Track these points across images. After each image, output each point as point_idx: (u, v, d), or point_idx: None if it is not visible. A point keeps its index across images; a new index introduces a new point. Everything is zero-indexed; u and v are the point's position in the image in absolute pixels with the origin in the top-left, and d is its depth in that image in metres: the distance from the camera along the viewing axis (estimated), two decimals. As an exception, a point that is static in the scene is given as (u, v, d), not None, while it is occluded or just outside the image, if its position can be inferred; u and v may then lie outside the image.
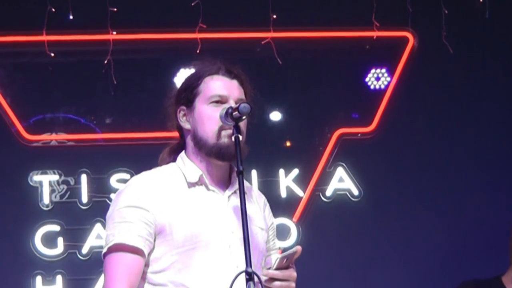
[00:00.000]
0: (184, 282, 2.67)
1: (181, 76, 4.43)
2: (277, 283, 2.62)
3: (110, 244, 2.67)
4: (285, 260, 2.61)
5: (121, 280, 2.63)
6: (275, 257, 2.83)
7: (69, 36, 4.54)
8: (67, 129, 4.52)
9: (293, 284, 2.66)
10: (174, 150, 2.89)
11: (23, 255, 4.35)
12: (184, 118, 2.80)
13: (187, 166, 2.78)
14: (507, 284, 4.11)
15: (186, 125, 2.80)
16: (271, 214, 2.94)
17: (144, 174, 2.79)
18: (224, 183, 2.79)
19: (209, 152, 2.74)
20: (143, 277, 2.70)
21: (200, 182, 2.75)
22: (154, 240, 2.69)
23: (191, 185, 2.75)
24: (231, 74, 2.80)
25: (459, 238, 4.63)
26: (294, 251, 2.61)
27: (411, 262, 4.61)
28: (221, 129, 2.72)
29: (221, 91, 2.76)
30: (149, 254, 2.69)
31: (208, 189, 2.76)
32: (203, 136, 2.75)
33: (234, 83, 2.80)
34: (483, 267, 4.24)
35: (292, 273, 2.67)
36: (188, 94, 2.79)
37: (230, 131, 2.69)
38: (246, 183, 2.79)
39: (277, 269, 2.63)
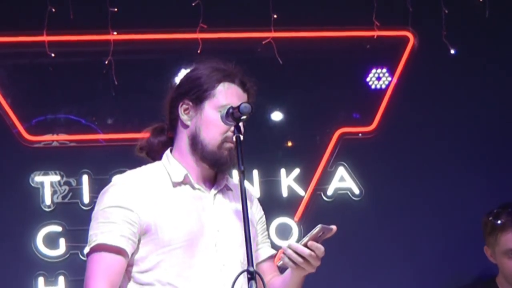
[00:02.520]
0: (171, 281, 2.66)
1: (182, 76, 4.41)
2: (308, 252, 2.63)
3: (92, 244, 2.67)
4: (320, 233, 2.63)
5: (101, 280, 2.63)
6: (263, 251, 2.90)
7: (69, 36, 4.50)
8: (68, 130, 4.48)
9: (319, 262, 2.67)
10: (162, 139, 2.83)
11: (25, 256, 4.32)
12: (186, 112, 2.77)
13: (172, 165, 2.76)
14: (501, 285, 4.11)
15: (187, 121, 2.76)
16: (259, 207, 2.93)
17: (128, 173, 2.77)
18: (210, 182, 2.78)
19: (203, 157, 2.73)
20: (129, 277, 2.70)
21: (185, 181, 2.74)
22: (139, 240, 2.68)
23: (176, 184, 2.73)
24: (244, 86, 2.79)
25: (461, 236, 4.60)
26: (331, 228, 2.64)
27: (413, 261, 4.59)
28: (224, 140, 2.72)
29: (235, 104, 2.71)
30: (134, 253, 2.68)
31: (193, 188, 2.74)
32: (204, 140, 2.73)
33: (245, 96, 2.78)
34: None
35: (321, 248, 2.67)
36: (200, 93, 2.75)
37: (231, 145, 2.69)
38: (233, 180, 2.83)
39: (312, 239, 2.64)
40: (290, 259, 2.69)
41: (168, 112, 2.84)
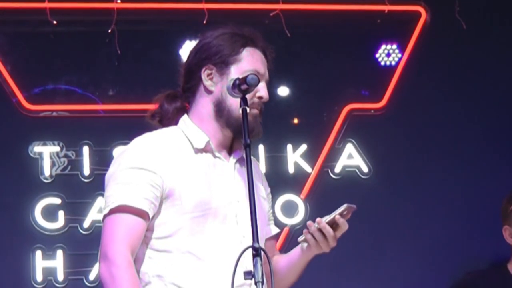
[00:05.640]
0: (190, 250, 2.58)
1: (188, 47, 4.34)
2: (333, 233, 2.65)
3: (112, 206, 2.57)
4: (345, 212, 2.64)
5: (122, 242, 2.52)
6: (268, 229, 2.83)
7: (72, 3, 4.44)
8: (69, 100, 4.42)
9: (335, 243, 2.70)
10: (177, 105, 2.76)
11: (23, 229, 4.26)
12: (210, 78, 2.69)
13: (192, 131, 2.68)
14: (514, 271, 4.06)
15: (211, 86, 2.69)
16: (266, 183, 2.87)
17: (148, 135, 2.68)
18: (227, 151, 2.72)
19: (229, 124, 2.67)
20: (146, 242, 2.61)
21: (206, 148, 2.66)
22: (160, 205, 2.59)
23: (197, 151, 2.66)
24: (265, 52, 2.74)
25: (472, 216, 4.56)
26: (354, 207, 2.66)
27: (422, 242, 4.54)
28: (250, 106, 2.64)
29: (260, 69, 2.68)
30: (154, 218, 2.59)
31: (214, 156, 2.68)
32: (231, 106, 2.65)
33: (266, 62, 2.74)
34: (496, 249, 4.18)
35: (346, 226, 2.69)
36: (225, 57, 2.68)
37: (257, 111, 2.65)
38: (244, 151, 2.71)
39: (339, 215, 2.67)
40: (313, 236, 2.67)
41: (185, 78, 2.76)
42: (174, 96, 2.80)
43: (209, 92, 2.69)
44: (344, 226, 2.68)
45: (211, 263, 2.59)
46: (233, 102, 2.64)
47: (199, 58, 2.72)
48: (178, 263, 2.59)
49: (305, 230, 2.70)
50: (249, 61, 2.68)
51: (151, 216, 2.58)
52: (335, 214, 2.67)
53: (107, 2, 4.44)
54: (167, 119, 2.78)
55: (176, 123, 2.74)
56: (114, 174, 2.62)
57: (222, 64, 2.68)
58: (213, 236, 2.60)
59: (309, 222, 2.69)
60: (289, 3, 4.60)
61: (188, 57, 2.77)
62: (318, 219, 2.67)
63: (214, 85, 2.69)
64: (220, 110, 2.67)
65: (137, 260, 2.62)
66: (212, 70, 2.69)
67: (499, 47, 4.76)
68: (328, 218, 2.67)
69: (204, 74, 2.70)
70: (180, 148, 2.66)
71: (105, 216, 2.60)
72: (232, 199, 2.65)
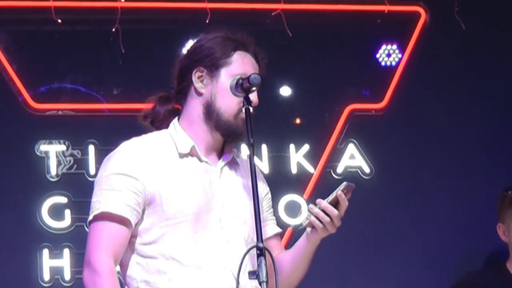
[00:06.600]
0: (174, 256, 2.61)
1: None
2: (337, 212, 2.64)
3: (95, 212, 2.59)
4: (345, 191, 2.63)
5: (105, 250, 2.56)
6: (269, 228, 2.84)
7: (76, 2, 4.44)
8: (74, 98, 4.41)
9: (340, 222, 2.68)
10: (168, 108, 2.77)
11: (30, 228, 4.24)
12: (200, 80, 2.71)
13: (179, 135, 2.70)
14: (512, 269, 4.08)
15: (201, 89, 2.70)
16: (265, 183, 2.87)
17: (135, 141, 2.71)
18: (217, 154, 2.72)
19: (218, 126, 2.68)
20: (132, 248, 2.63)
21: (191, 153, 2.67)
22: (143, 211, 2.61)
23: (182, 155, 2.67)
24: (257, 57, 2.75)
25: (473, 216, 4.57)
26: (353, 185, 2.65)
27: (424, 241, 4.55)
28: (240, 110, 2.66)
29: (249, 73, 2.67)
30: (138, 224, 2.62)
31: (200, 160, 2.68)
32: (220, 109, 2.67)
33: (257, 67, 2.74)
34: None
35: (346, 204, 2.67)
36: (216, 60, 2.69)
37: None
38: (241, 154, 2.79)
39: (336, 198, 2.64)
40: (317, 217, 2.67)
41: (177, 80, 2.79)
42: (166, 98, 2.83)
43: (199, 94, 2.71)
44: (344, 203, 2.68)
45: (195, 269, 2.61)
46: (222, 105, 2.67)
47: (190, 60, 2.74)
48: (163, 269, 2.61)
49: (308, 213, 2.70)
50: (239, 65, 2.69)
51: (133, 223, 2.60)
52: (336, 192, 2.66)
53: (112, 1, 4.45)
54: (158, 120, 2.81)
55: (167, 125, 2.77)
56: (100, 180, 2.65)
57: (213, 66, 2.69)
58: (197, 241, 2.61)
59: (310, 205, 2.70)
60: (291, 3, 4.61)
61: (181, 60, 2.79)
62: (318, 200, 2.67)
63: (204, 88, 2.70)
64: (209, 112, 2.69)
65: (125, 266, 2.66)
66: (202, 73, 2.71)
67: (499, 47, 4.78)
68: (329, 198, 2.67)
69: (194, 76, 2.72)
70: (165, 153, 2.67)
71: (90, 223, 2.63)
72: (216, 204, 2.66)
